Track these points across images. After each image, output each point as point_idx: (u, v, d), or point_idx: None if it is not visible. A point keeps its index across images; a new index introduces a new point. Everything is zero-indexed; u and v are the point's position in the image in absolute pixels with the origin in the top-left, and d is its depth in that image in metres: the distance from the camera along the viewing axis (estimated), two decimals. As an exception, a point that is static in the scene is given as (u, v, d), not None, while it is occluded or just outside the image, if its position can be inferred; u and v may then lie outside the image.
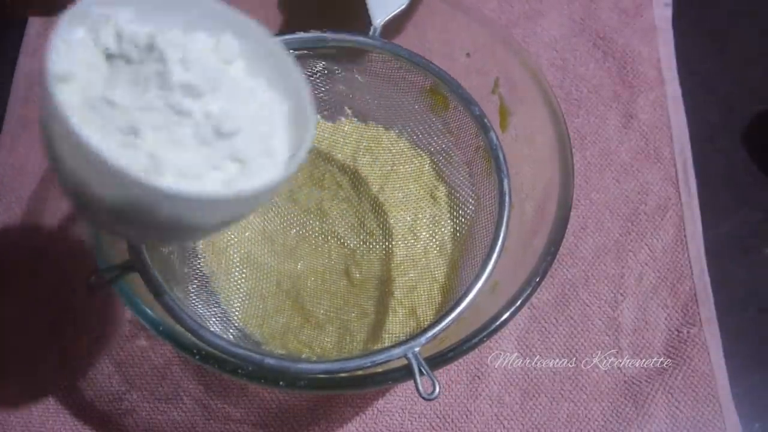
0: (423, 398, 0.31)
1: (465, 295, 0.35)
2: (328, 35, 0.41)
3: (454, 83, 0.41)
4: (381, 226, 0.47)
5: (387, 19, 0.41)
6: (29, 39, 0.55)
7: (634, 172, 0.50)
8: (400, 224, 0.47)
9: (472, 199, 0.45)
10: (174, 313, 0.34)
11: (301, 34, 0.41)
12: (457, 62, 0.44)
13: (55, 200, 0.49)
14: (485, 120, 0.40)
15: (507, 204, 0.38)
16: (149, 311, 0.35)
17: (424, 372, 0.32)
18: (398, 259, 0.45)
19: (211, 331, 0.34)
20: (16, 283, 0.47)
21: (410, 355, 0.33)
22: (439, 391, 0.31)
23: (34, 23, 0.56)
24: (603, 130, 0.52)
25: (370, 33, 0.41)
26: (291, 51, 0.41)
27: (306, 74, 0.44)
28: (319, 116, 0.48)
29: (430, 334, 0.34)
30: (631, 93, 0.53)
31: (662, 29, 0.55)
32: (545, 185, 0.39)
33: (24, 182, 0.50)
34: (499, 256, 0.36)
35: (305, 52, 0.42)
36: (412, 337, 0.34)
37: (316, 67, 0.44)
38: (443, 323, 0.34)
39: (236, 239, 0.46)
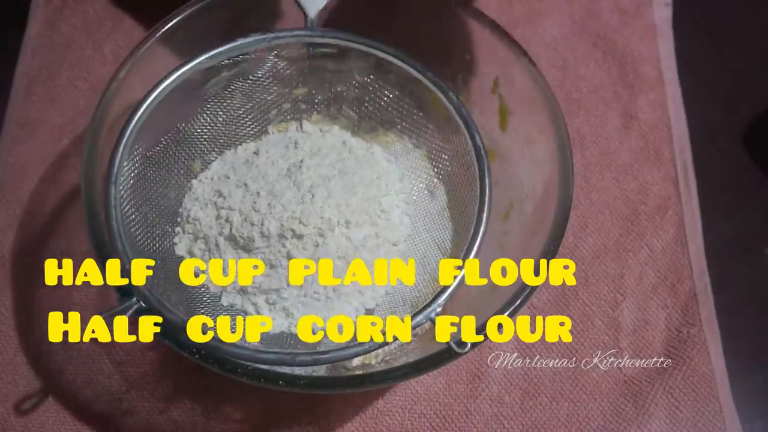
0: (457, 352, 0.34)
1: (468, 252, 0.37)
2: (268, 35, 0.42)
3: (398, 54, 0.42)
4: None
5: (320, 9, 0.42)
6: (29, 39, 0.55)
7: (634, 172, 0.50)
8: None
9: (447, 157, 0.45)
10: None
11: (240, 41, 0.41)
12: (457, 62, 0.45)
13: (55, 200, 0.49)
14: (440, 81, 0.41)
15: (484, 155, 0.39)
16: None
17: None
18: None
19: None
20: (17, 283, 0.47)
21: (433, 318, 0.35)
22: (470, 347, 0.34)
23: (35, 23, 0.56)
24: (603, 130, 0.52)
25: (308, 25, 0.42)
26: (235, 59, 0.42)
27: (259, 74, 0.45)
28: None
29: (446, 294, 0.36)
30: (631, 93, 0.53)
31: (662, 29, 0.55)
32: (545, 185, 0.39)
33: (24, 182, 0.50)
34: (488, 213, 0.38)
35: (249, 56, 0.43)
36: (428, 303, 0.36)
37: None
38: (455, 284, 0.36)
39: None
